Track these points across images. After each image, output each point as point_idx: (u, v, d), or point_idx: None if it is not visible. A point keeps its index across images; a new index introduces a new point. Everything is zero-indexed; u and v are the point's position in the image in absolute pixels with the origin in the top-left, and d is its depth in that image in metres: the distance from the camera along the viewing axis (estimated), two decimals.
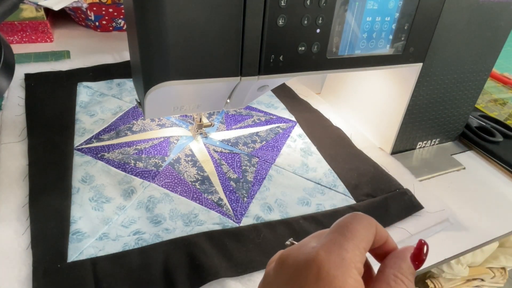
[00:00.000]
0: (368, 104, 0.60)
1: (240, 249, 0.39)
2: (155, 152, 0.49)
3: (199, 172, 0.48)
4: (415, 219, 0.46)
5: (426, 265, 0.41)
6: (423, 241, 0.24)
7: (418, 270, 0.39)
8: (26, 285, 0.33)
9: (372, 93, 0.59)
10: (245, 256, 0.38)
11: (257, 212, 0.43)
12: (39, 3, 0.66)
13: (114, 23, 0.82)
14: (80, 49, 0.73)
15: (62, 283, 0.33)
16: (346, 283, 0.20)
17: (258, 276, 0.37)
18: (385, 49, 0.44)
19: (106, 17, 0.80)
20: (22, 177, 0.43)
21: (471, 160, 0.60)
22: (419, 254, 0.23)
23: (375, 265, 0.24)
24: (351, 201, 0.47)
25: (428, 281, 0.75)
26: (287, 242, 0.27)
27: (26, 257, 0.35)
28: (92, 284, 0.33)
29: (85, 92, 0.59)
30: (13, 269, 0.34)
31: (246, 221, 0.42)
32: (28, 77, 0.60)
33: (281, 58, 0.37)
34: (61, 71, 0.63)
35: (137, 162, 0.47)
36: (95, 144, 0.49)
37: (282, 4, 0.34)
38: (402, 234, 0.44)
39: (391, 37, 0.43)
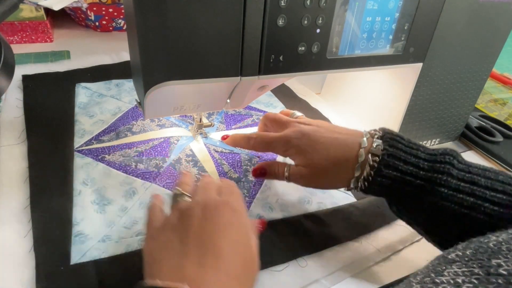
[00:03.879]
0: (368, 104, 0.60)
1: None
2: (156, 153, 0.49)
3: (200, 172, 0.48)
4: None
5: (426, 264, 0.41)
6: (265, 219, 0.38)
7: (416, 270, 0.42)
8: (29, 287, 0.33)
9: (372, 93, 0.59)
10: None
11: (258, 211, 0.43)
12: (39, 3, 0.66)
13: (114, 23, 0.82)
14: (80, 49, 0.73)
15: (66, 285, 0.33)
16: None
17: (261, 275, 0.37)
18: (385, 49, 0.44)
19: (106, 17, 0.80)
20: (23, 179, 0.43)
21: (471, 160, 0.59)
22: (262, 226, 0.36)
23: None
24: (352, 199, 0.47)
25: None
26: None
27: (29, 260, 0.35)
28: (96, 286, 0.33)
29: (83, 93, 0.59)
30: (16, 271, 0.34)
31: None
32: (26, 78, 0.60)
33: (281, 58, 0.37)
34: (58, 72, 0.63)
35: (138, 163, 0.47)
36: (95, 145, 0.49)
37: (282, 4, 0.34)
38: (402, 232, 0.44)
39: (391, 37, 0.43)
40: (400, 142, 0.36)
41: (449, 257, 0.24)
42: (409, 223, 0.38)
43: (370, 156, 0.36)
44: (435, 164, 0.34)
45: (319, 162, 0.39)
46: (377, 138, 0.37)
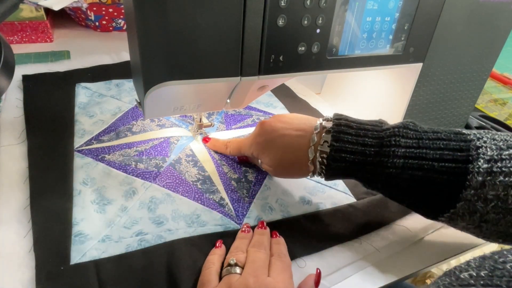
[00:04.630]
0: (368, 104, 0.60)
1: None
2: (156, 153, 0.49)
3: (200, 172, 0.48)
4: (414, 216, 0.46)
5: (426, 265, 0.41)
6: (319, 270, 0.36)
7: (416, 270, 0.43)
8: (29, 287, 0.33)
9: (372, 93, 0.59)
10: None
11: (258, 212, 0.43)
12: (39, 3, 0.66)
13: (114, 23, 0.82)
14: (80, 49, 0.73)
15: (66, 286, 0.33)
16: None
17: None
18: (385, 49, 0.44)
19: (106, 17, 0.80)
20: (23, 179, 0.43)
21: None
22: (318, 280, 0.36)
23: None
24: (352, 199, 0.47)
25: (428, 281, 0.75)
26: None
27: (29, 260, 0.35)
28: (96, 286, 0.33)
29: (83, 93, 0.59)
30: (16, 272, 0.34)
31: (247, 221, 0.42)
32: (26, 78, 0.60)
33: (281, 58, 0.37)
34: (59, 72, 0.63)
35: (138, 163, 0.47)
36: (95, 145, 0.49)
37: (282, 4, 0.34)
38: (402, 232, 0.44)
39: (391, 37, 0.43)
40: (347, 132, 0.37)
41: (462, 276, 0.24)
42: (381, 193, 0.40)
43: (318, 154, 0.38)
44: (381, 149, 0.36)
45: (278, 161, 0.42)
46: (326, 132, 0.38)
